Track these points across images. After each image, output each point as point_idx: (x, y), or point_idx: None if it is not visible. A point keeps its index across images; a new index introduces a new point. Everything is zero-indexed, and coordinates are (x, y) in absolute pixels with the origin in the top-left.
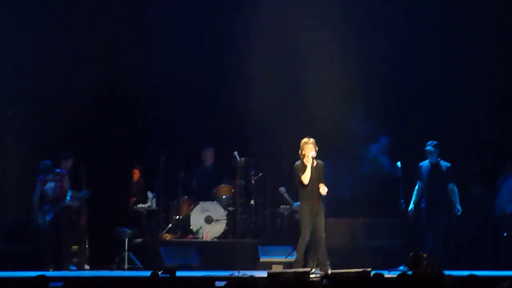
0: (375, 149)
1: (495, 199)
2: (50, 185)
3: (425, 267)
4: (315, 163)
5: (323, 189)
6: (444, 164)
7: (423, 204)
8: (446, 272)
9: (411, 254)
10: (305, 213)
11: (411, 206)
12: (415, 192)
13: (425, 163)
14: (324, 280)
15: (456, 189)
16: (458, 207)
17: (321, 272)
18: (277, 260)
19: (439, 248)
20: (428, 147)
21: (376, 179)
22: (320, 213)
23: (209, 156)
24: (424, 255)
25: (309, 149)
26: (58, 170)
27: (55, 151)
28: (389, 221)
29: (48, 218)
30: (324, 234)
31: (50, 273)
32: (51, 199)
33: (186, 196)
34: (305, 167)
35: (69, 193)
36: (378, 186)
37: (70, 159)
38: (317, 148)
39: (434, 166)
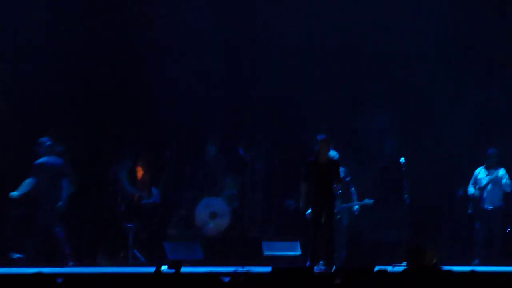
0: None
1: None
2: None
3: (428, 260)
4: None
5: None
6: None
7: None
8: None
9: (409, 247)
10: None
11: None
12: None
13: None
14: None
15: None
16: None
17: (325, 267)
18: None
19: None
20: None
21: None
22: None
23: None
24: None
25: None
26: None
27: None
28: (394, 215)
29: None
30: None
31: (49, 270)
32: None
33: (190, 191)
34: None
35: None
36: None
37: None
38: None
39: None
